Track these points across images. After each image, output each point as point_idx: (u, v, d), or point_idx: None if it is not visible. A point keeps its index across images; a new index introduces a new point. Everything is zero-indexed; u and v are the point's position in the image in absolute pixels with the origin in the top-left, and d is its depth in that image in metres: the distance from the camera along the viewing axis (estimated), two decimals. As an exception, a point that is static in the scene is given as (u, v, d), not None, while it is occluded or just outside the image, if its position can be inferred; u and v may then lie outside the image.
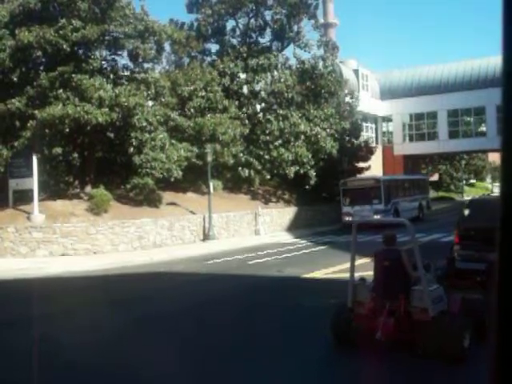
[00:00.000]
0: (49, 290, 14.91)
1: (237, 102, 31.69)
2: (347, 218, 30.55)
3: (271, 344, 8.48)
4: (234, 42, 35.49)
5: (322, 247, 22.42)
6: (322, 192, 35.27)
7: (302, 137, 31.81)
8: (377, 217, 28.94)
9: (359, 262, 16.54)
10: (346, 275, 14.08)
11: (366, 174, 42.47)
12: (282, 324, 9.80)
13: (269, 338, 8.86)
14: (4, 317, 11.08)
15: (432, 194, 62.78)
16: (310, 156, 31.78)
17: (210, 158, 25.29)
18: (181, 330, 9.74)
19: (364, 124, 47.40)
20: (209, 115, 26.67)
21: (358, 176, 33.66)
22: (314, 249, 22.04)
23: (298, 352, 7.94)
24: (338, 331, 7.87)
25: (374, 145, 45.45)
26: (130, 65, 26.68)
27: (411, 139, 52.59)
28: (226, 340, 8.86)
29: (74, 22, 23.39)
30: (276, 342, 8.64)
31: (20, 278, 16.53)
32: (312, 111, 33.01)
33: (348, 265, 15.73)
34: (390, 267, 7.56)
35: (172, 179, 25.17)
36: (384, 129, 54.17)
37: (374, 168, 42.41)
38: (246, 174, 30.61)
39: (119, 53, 26.56)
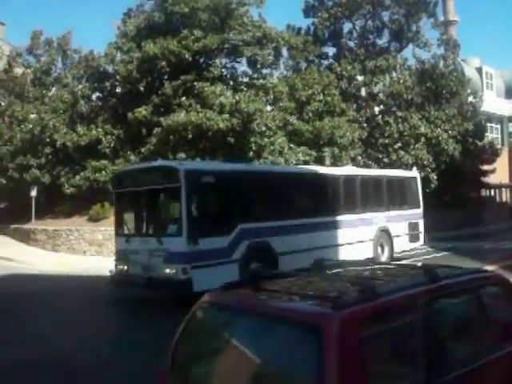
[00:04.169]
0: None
1: (355, 105, 31.29)
2: (119, 266, 13.77)
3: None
4: (351, 44, 35.14)
5: (444, 253, 21.45)
6: (444, 196, 33.90)
7: (423, 139, 30.76)
8: (183, 275, 12.16)
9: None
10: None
11: (490, 178, 40.49)
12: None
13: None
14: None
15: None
16: (430, 159, 30.67)
17: (328, 162, 25.15)
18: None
19: (488, 125, 45.11)
20: (327, 119, 26.50)
21: (144, 164, 17.70)
22: (435, 255, 21.12)
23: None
24: None
25: (499, 146, 43.23)
26: (249, 71, 27.24)
27: (540, 140, 49.43)
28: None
29: (195, 32, 24.23)
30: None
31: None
32: (433, 112, 31.85)
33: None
34: None
35: (291, 183, 25.23)
36: (511, 129, 51.28)
37: (500, 171, 40.27)
38: (365, 178, 30.09)
39: (238, 60, 27.20)
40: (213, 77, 24.83)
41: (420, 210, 21.41)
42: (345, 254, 16.23)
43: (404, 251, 19.80)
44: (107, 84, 26.38)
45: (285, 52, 29.53)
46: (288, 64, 32.36)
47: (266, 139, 23.69)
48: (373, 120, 32.15)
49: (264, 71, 27.10)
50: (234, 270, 12.88)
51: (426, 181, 30.69)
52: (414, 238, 20.64)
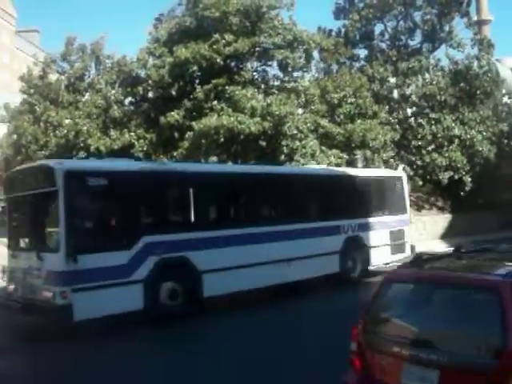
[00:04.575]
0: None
1: (387, 107, 30.92)
2: (8, 286, 11.76)
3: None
4: (383, 45, 34.76)
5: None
6: (479, 199, 33.36)
7: (456, 141, 30.26)
8: (61, 300, 9.91)
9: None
10: None
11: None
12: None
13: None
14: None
15: None
16: (464, 161, 30.16)
17: (360, 165, 24.96)
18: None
19: (524, 126, 44.19)
20: (358, 121, 26.27)
21: (28, 164, 14.68)
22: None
23: None
24: None
25: (535, 148, 42.32)
26: (280, 74, 27.21)
27: None
28: None
29: (226, 36, 24.35)
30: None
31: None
32: (466, 114, 31.28)
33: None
34: None
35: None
36: (547, 130, 50.11)
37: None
38: (397, 181, 29.75)
39: (269, 63, 27.22)
40: (244, 80, 24.91)
41: (406, 216, 18.43)
42: (296, 269, 13.78)
43: (387, 264, 16.53)
44: (139, 89, 26.62)
45: (316, 54, 29.37)
46: (319, 66, 32.21)
47: (298, 142, 23.63)
48: (405, 122, 31.78)
49: (295, 74, 27.02)
50: (136, 291, 10.84)
51: (460, 183, 30.31)
52: (397, 248, 17.29)
